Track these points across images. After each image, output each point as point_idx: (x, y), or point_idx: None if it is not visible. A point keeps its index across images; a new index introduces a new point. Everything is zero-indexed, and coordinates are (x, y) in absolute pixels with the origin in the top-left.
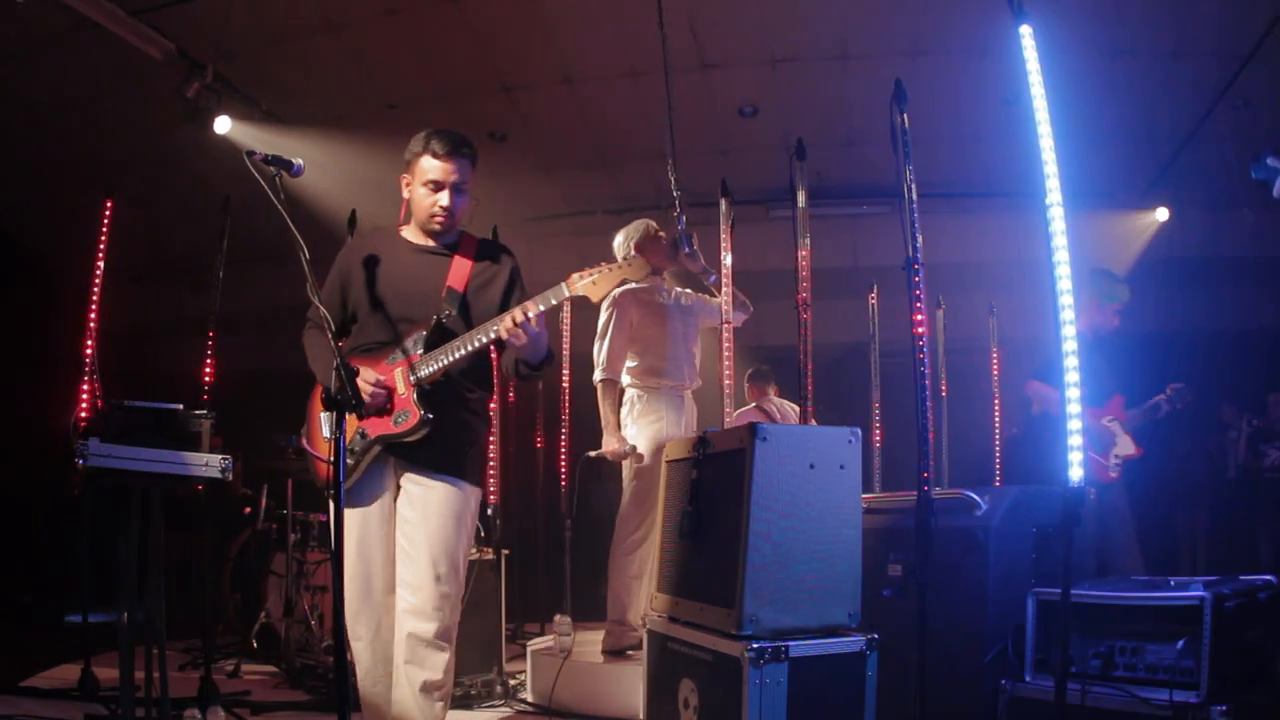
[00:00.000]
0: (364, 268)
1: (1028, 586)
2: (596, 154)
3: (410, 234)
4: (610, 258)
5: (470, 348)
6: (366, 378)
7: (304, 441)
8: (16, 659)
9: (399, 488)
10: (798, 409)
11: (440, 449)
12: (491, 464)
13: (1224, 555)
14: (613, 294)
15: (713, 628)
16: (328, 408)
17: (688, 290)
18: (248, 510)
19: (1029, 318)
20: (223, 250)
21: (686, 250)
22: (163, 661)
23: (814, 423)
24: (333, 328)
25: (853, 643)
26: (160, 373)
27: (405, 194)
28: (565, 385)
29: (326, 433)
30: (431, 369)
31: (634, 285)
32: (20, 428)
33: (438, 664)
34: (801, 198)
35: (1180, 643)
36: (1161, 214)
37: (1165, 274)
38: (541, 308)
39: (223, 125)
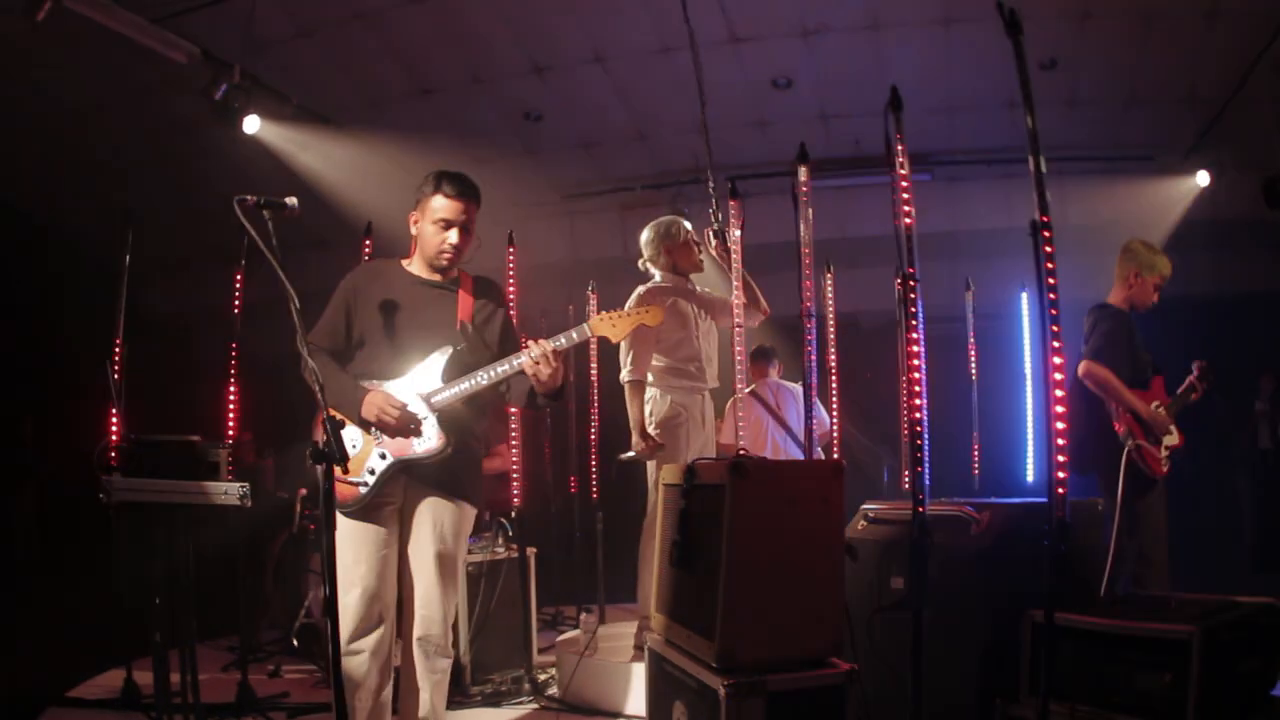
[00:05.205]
0: (374, 297)
1: (1029, 603)
2: (633, 130)
3: (415, 268)
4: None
5: (490, 378)
6: (393, 401)
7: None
8: (63, 667)
9: (407, 505)
10: (798, 388)
11: (451, 472)
12: (514, 465)
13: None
14: (639, 293)
15: (697, 656)
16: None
17: (707, 290)
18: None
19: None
20: (245, 245)
21: (724, 246)
22: (194, 673)
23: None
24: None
25: (833, 676)
26: (199, 362)
27: (413, 230)
28: (594, 379)
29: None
30: (450, 396)
31: (660, 284)
32: (67, 441)
33: (445, 666)
34: (804, 172)
35: (1169, 674)
36: (1203, 178)
37: (1205, 238)
38: (563, 343)
39: (252, 125)
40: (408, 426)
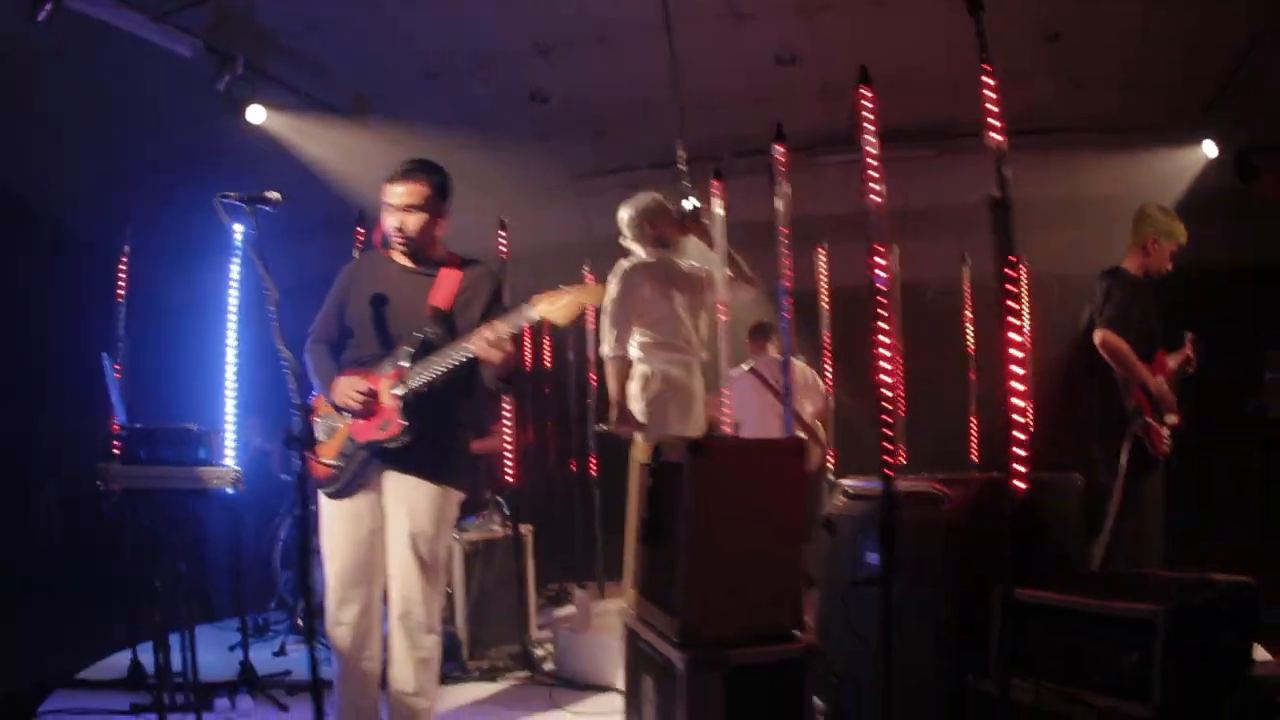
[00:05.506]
0: (358, 288)
1: (1000, 579)
2: (640, 109)
3: (397, 256)
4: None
5: (449, 364)
6: (357, 385)
7: None
8: (72, 650)
9: (384, 488)
10: (799, 363)
11: (422, 454)
12: (507, 443)
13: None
14: (622, 267)
15: (664, 632)
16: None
17: (694, 263)
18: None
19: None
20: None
21: (696, 224)
22: (194, 652)
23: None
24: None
25: (792, 650)
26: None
27: None
28: (590, 357)
29: (320, 435)
30: (417, 382)
31: (644, 259)
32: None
33: (430, 644)
34: (780, 150)
35: (1135, 653)
36: (1210, 148)
37: (1213, 208)
38: (509, 329)
39: (256, 115)
40: (369, 409)
